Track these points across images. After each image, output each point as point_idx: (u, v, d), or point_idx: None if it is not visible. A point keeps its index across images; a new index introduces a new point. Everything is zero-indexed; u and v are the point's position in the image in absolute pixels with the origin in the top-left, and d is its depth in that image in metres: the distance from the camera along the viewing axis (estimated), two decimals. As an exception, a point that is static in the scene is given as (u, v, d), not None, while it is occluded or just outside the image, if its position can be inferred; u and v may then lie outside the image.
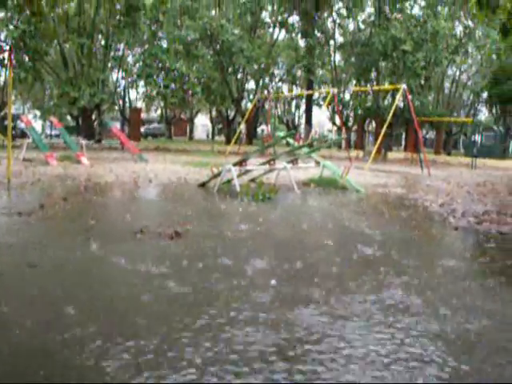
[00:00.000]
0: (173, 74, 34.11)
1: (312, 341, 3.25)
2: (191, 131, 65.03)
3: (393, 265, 5.40)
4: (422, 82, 39.90)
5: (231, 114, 46.79)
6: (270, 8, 41.40)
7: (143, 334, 3.24)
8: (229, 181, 11.65)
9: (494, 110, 49.54)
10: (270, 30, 43.58)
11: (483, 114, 63.15)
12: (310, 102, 43.35)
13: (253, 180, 13.02)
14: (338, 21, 43.18)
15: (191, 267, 4.94)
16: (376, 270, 5.14)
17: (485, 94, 44.66)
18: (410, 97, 23.93)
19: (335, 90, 28.72)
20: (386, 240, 6.82)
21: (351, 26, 44.00)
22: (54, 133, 48.31)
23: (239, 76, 41.49)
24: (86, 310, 3.67)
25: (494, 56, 18.18)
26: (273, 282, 4.54)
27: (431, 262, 5.79)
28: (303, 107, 52.36)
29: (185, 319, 3.53)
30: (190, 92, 36.19)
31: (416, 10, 41.57)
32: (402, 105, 34.60)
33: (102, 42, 36.27)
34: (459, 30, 43.47)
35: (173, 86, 35.13)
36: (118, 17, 32.75)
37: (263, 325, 3.49)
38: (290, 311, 3.79)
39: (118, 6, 32.33)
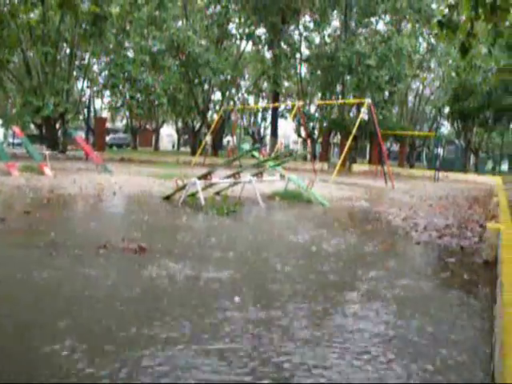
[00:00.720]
0: (139, 84, 33.94)
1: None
2: (157, 141, 64.61)
3: (350, 282, 5.48)
4: (386, 95, 40.53)
5: (197, 125, 46.69)
6: (237, 20, 41.58)
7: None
8: (194, 194, 11.63)
9: (455, 125, 50.55)
10: (237, 41, 43.77)
11: (445, 128, 64.34)
12: (275, 113, 43.62)
13: (218, 193, 13.04)
14: (304, 34, 43.59)
15: (153, 284, 4.93)
16: (336, 286, 5.22)
17: (447, 109, 45.55)
18: (374, 110, 24.28)
19: (301, 103, 28.97)
20: (348, 254, 6.90)
21: (317, 40, 44.48)
22: (16, 141, 47.49)
23: (205, 87, 41.44)
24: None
25: (453, 74, 18.74)
26: (236, 299, 4.56)
27: (391, 276, 5.87)
28: (269, 119, 52.61)
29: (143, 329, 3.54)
30: (156, 103, 36.07)
31: (381, 26, 42.33)
32: (366, 118, 35.08)
33: (67, 51, 35.89)
34: (423, 46, 44.37)
35: (139, 96, 34.96)
36: (83, 25, 32.46)
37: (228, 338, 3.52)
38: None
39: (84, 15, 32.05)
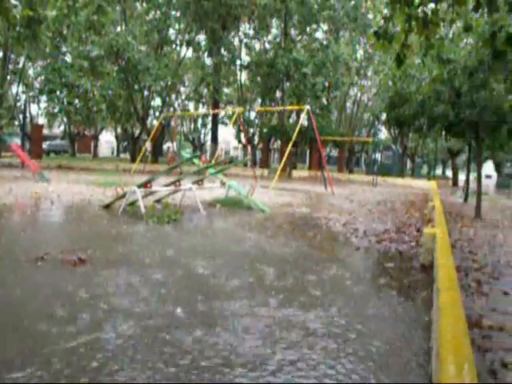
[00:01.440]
0: (77, 90, 33.24)
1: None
2: (96, 148, 63.43)
3: (290, 288, 5.54)
4: (325, 102, 41.14)
5: (136, 131, 46.14)
6: (176, 26, 41.34)
7: None
8: (134, 202, 11.48)
9: (392, 131, 51.76)
10: (177, 48, 43.50)
11: (383, 134, 65.81)
12: (216, 120, 43.61)
13: (158, 201, 12.92)
14: (244, 41, 43.79)
15: (92, 302, 4.86)
16: (275, 290, 5.27)
17: (383, 116, 46.57)
18: (313, 117, 24.61)
19: (241, 109, 29.07)
20: (288, 260, 6.97)
21: (257, 47, 44.76)
22: None
23: (145, 93, 40.97)
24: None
25: (389, 82, 19.32)
26: (178, 310, 4.55)
27: (331, 281, 5.97)
28: (209, 125, 52.56)
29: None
30: (95, 109, 35.42)
31: (319, 35, 42.97)
32: (306, 124, 35.51)
33: (0, 54, 34.79)
34: (360, 54, 45.38)
35: (77, 102, 34.24)
36: (17, 28, 31.51)
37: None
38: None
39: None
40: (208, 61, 43.26)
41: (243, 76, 46.76)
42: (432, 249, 6.69)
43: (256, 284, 5.61)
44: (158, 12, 38.43)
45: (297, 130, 23.99)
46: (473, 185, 17.10)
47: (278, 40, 41.88)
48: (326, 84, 37.94)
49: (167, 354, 3.59)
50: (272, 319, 4.44)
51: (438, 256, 5.11)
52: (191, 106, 56.76)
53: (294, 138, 23.88)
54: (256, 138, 48.93)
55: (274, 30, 44.49)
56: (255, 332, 4.11)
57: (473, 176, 22.69)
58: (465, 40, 14.71)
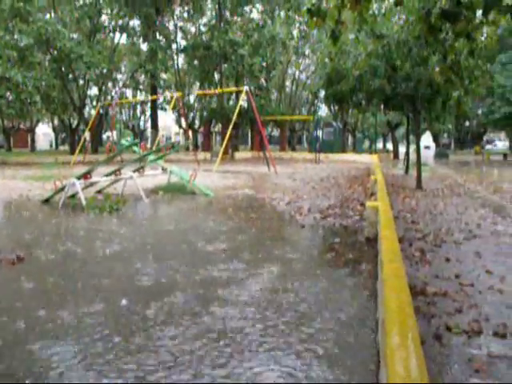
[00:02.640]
0: (7, 82, 32.04)
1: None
2: (33, 142, 61.57)
3: (234, 275, 5.52)
4: (264, 82, 41.18)
5: (74, 122, 45.01)
6: (109, 12, 40.29)
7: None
8: (74, 195, 11.19)
9: (332, 107, 52.25)
10: (111, 34, 42.46)
11: (323, 111, 66.42)
12: (155, 106, 42.97)
13: (100, 191, 12.65)
14: (179, 24, 43.18)
15: (33, 296, 4.70)
16: (219, 282, 5.24)
17: (322, 93, 46.97)
18: (252, 98, 24.56)
19: (179, 94, 28.74)
20: (233, 242, 6.94)
21: (192, 30, 44.23)
22: None
23: (80, 83, 39.90)
24: None
25: (326, 60, 19.46)
26: (124, 301, 4.46)
27: (278, 260, 5.97)
28: (149, 112, 51.77)
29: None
30: (29, 101, 34.26)
31: (255, 15, 42.77)
32: (246, 105, 35.44)
33: None
34: (296, 33, 45.42)
35: (8, 95, 33.02)
36: None
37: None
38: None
39: None
40: (144, 46, 42.47)
41: (180, 60, 46.22)
42: (375, 222, 6.77)
43: (200, 274, 5.56)
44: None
45: (236, 111, 23.90)
46: (413, 156, 17.49)
47: (213, 22, 41.46)
48: (264, 64, 37.94)
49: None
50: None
51: (381, 229, 5.17)
52: (129, 93, 55.76)
53: (233, 119, 23.79)
54: (197, 122, 48.58)
55: (208, 13, 44.03)
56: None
57: (412, 148, 23.15)
58: (397, 15, 14.88)
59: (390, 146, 60.10)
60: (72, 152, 37.12)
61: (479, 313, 4.36)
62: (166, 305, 4.39)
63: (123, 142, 15.01)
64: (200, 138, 54.36)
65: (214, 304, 4.41)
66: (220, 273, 5.39)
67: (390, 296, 2.65)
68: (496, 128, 48.46)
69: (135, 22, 41.07)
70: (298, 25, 44.70)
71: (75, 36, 36.94)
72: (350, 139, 60.66)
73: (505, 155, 43.76)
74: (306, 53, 49.53)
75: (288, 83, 55.51)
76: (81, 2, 38.47)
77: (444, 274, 5.57)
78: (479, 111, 45.05)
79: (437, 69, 13.72)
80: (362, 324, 3.99)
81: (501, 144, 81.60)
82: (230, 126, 24.04)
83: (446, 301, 4.66)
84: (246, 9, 41.96)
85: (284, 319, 4.07)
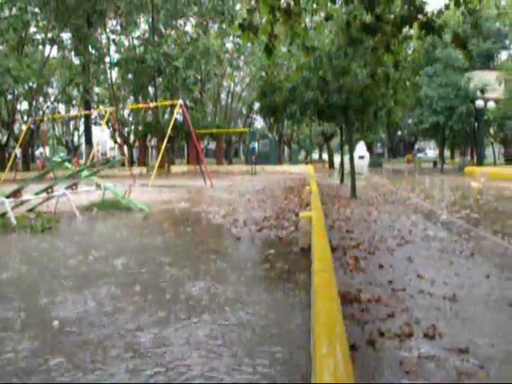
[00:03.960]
0: None
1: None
2: (-40, 159, 59.22)
3: (173, 284, 5.49)
4: (199, 95, 41.16)
5: (3, 138, 43.60)
6: (37, 23, 39.21)
7: None
8: (3, 214, 10.80)
9: (267, 119, 52.74)
10: (40, 47, 41.35)
11: (259, 123, 66.85)
12: (88, 121, 42.16)
13: (31, 210, 12.26)
14: (112, 37, 42.60)
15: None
16: (154, 288, 5.19)
17: (257, 105, 47.36)
18: (186, 111, 24.51)
19: (113, 108, 28.38)
20: (167, 258, 6.87)
21: (126, 43, 43.73)
22: None
23: (9, 97, 38.69)
24: None
25: (261, 72, 19.72)
26: (55, 322, 4.35)
27: (213, 274, 5.96)
28: (83, 127, 50.75)
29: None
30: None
31: (189, 28, 42.73)
32: (181, 118, 35.30)
33: None
34: (230, 46, 45.67)
35: None
36: None
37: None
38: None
39: None
40: (75, 60, 41.63)
41: (114, 74, 45.58)
42: (309, 232, 6.86)
43: (130, 291, 5.49)
44: (14, 9, 36.07)
45: (170, 125, 23.77)
46: (348, 166, 17.90)
47: (146, 35, 41.14)
48: (198, 77, 37.94)
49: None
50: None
51: (314, 238, 5.25)
52: (62, 108, 54.53)
53: (168, 133, 23.65)
54: (132, 137, 48.04)
55: (142, 25, 43.68)
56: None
57: (347, 157, 23.64)
58: (327, 29, 15.22)
59: (325, 156, 61.07)
60: (2, 169, 35.95)
61: (410, 316, 4.49)
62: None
63: (55, 158, 14.65)
64: (135, 153, 53.73)
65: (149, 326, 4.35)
66: (149, 290, 5.34)
67: (320, 305, 2.70)
68: (426, 137, 50.03)
69: (66, 35, 40.19)
70: (231, 37, 44.97)
71: (1, 48, 35.69)
72: (286, 150, 61.33)
73: (435, 163, 45.31)
74: (241, 65, 49.86)
75: (223, 96, 55.69)
76: (6, 14, 37.20)
77: (377, 280, 5.71)
78: (410, 121, 46.42)
79: (362, 80, 14.11)
80: (294, 334, 4.04)
81: (431, 152, 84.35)
82: (165, 140, 23.87)
83: (379, 306, 4.77)
84: (180, 21, 41.90)
85: (216, 333, 4.07)
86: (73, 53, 40.85)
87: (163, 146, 24.99)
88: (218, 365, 3.44)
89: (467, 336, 4.05)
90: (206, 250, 7.55)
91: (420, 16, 7.52)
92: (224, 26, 41.86)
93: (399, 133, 67.37)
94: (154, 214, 11.95)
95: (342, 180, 22.08)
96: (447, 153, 62.91)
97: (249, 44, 39.70)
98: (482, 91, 34.82)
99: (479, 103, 33.19)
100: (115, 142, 49.98)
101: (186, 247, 7.66)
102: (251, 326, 4.20)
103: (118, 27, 41.98)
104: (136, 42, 42.78)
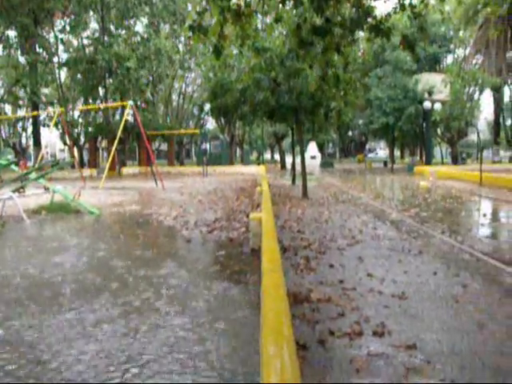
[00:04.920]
0: None
1: None
2: None
3: (112, 290, 5.42)
4: (150, 96, 40.72)
5: None
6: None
7: None
8: None
9: (219, 120, 52.67)
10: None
11: (211, 124, 66.63)
12: (36, 122, 41.15)
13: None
14: (60, 36, 41.63)
15: None
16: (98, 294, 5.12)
17: (208, 106, 47.27)
18: (137, 112, 24.25)
19: (61, 109, 27.84)
20: (115, 262, 6.77)
21: (75, 43, 42.86)
22: None
23: (-50, 98, 37.41)
24: None
25: (211, 74, 19.67)
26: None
27: (162, 277, 5.91)
28: (31, 128, 49.50)
29: None
30: None
31: (140, 28, 42.20)
32: (132, 120, 34.90)
33: None
34: (181, 47, 45.31)
35: None
36: None
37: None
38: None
39: None
40: (22, 59, 40.55)
41: (62, 74, 44.63)
42: (260, 233, 6.87)
43: (81, 293, 5.39)
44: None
45: (121, 126, 23.47)
46: (299, 167, 18.01)
47: (96, 35, 40.41)
48: (150, 78, 37.54)
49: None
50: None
51: (263, 240, 5.26)
52: (8, 109, 53.09)
53: (118, 135, 23.34)
54: (82, 138, 47.18)
55: (92, 25, 42.88)
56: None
57: (298, 158, 23.80)
58: (278, 31, 15.29)
59: (277, 156, 61.41)
60: None
61: (360, 315, 4.55)
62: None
63: (1, 160, 14.26)
64: (86, 155, 52.82)
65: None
66: (97, 291, 5.26)
67: (268, 306, 2.70)
68: (376, 137, 50.90)
69: (12, 33, 39.08)
70: (183, 38, 44.65)
71: None
72: (238, 151, 61.37)
73: (385, 163, 46.10)
74: (192, 66, 49.57)
75: (175, 97, 55.30)
76: None
77: (328, 279, 5.76)
78: (360, 121, 47.12)
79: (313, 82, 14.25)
80: (244, 334, 4.04)
81: (381, 152, 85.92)
82: (116, 142, 23.54)
83: (329, 306, 4.82)
84: (131, 22, 41.36)
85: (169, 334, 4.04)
86: (19, 52, 39.76)
87: (114, 148, 24.64)
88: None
89: (415, 332, 4.14)
90: (156, 252, 7.48)
91: (369, 19, 7.65)
92: (175, 26, 41.62)
93: (350, 133, 68.37)
94: (105, 217, 11.76)
95: (293, 180, 22.19)
96: (397, 153, 64.22)
97: (201, 45, 39.66)
98: (430, 93, 35.63)
99: (427, 105, 33.93)
100: (65, 143, 49.08)
101: (135, 250, 7.56)
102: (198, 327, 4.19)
103: (67, 26, 41.08)
104: (86, 42, 42.02)
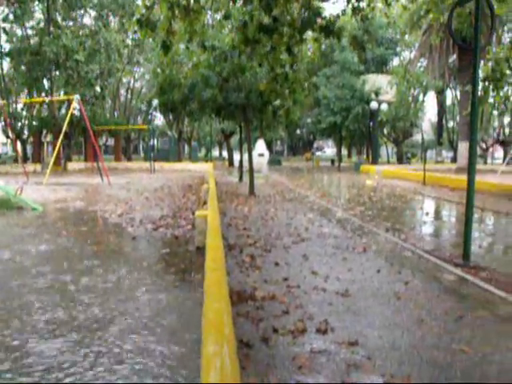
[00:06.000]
0: None
1: None
2: None
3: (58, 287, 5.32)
4: (98, 90, 39.90)
5: None
6: None
7: None
8: None
9: (167, 116, 52.21)
10: None
11: (159, 120, 66.01)
12: (-23, 115, 39.88)
13: None
14: (3, 26, 40.31)
15: None
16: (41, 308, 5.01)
17: (156, 102, 46.78)
18: (83, 107, 23.79)
19: (3, 102, 27.05)
20: (59, 261, 6.64)
21: (19, 32, 41.61)
22: None
23: None
24: None
25: (159, 69, 19.41)
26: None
27: (105, 273, 5.83)
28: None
29: None
30: None
31: (88, 20, 41.35)
32: (78, 114, 34.18)
33: None
34: (131, 41, 44.61)
35: None
36: None
37: None
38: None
39: None
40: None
41: (5, 65, 43.30)
42: (205, 230, 6.85)
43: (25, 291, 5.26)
44: None
45: (67, 120, 22.96)
46: (247, 164, 18.02)
47: (42, 25, 39.30)
48: (99, 72, 36.80)
49: None
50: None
51: (208, 238, 5.25)
52: None
53: (64, 129, 22.84)
54: (26, 132, 45.92)
55: (37, 15, 41.66)
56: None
57: (246, 155, 23.80)
58: (228, 27, 15.25)
59: (226, 153, 61.37)
60: None
61: (304, 312, 4.59)
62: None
63: None
64: (30, 149, 51.41)
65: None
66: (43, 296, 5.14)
67: (210, 305, 2.69)
68: (324, 136, 51.40)
69: None
70: (132, 32, 43.95)
71: None
72: (186, 148, 61.00)
73: (332, 161, 46.66)
74: (141, 61, 48.92)
75: (123, 92, 54.51)
76: None
77: (273, 277, 5.78)
78: (309, 120, 47.50)
79: (261, 80, 14.29)
80: (186, 333, 4.02)
81: (329, 151, 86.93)
82: (61, 136, 23.01)
83: (273, 304, 4.84)
84: (79, 13, 40.45)
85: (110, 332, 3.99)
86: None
87: (59, 142, 24.08)
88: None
89: (357, 329, 4.21)
90: (100, 250, 7.35)
91: (319, 20, 7.73)
92: (124, 20, 40.95)
93: (299, 131, 68.84)
94: (48, 214, 11.48)
95: (241, 178, 22.19)
96: (345, 151, 65.07)
97: (150, 40, 39.14)
98: (376, 94, 36.24)
99: (373, 105, 34.52)
100: (7, 137, 47.67)
101: (78, 248, 7.41)
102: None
103: (11, 15, 39.80)
104: (30, 32, 40.84)
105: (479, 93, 22.14)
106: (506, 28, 27.72)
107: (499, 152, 59.07)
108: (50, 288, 5.30)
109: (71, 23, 39.70)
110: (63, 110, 41.21)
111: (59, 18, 38.66)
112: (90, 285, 5.39)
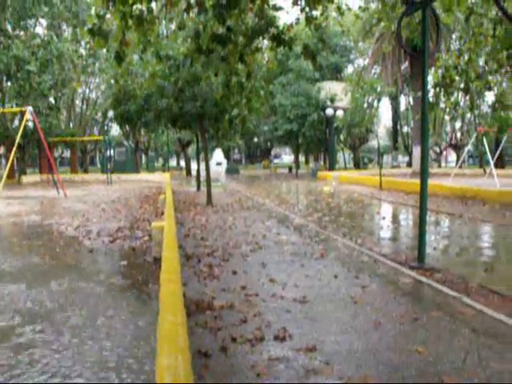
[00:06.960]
0: None
1: None
2: None
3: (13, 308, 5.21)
4: (52, 101, 39.26)
5: None
6: None
7: None
8: None
9: (123, 127, 51.70)
10: None
11: (115, 131, 65.19)
12: None
13: None
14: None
15: None
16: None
17: (112, 113, 46.30)
18: (37, 119, 23.37)
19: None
20: (10, 276, 6.51)
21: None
22: None
23: None
24: None
25: (112, 80, 19.26)
26: None
27: (61, 289, 5.74)
28: None
29: None
30: None
31: (40, 30, 40.67)
32: (32, 126, 33.55)
33: None
34: (85, 51, 44.05)
35: None
36: None
37: None
38: None
39: None
40: None
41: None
42: (162, 241, 6.82)
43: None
44: None
45: (20, 133, 22.51)
46: (204, 173, 17.98)
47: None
48: (53, 82, 36.21)
49: None
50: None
51: (163, 249, 5.22)
52: None
53: (17, 141, 22.39)
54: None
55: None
56: None
57: (204, 165, 23.72)
58: (182, 38, 15.22)
59: (183, 163, 61.11)
60: None
61: (262, 320, 4.61)
62: None
63: None
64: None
65: None
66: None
67: (164, 317, 2.68)
68: (281, 143, 51.73)
69: None
70: (86, 42, 43.39)
71: None
72: (144, 158, 60.53)
73: (290, 168, 46.97)
74: (96, 71, 48.39)
75: (78, 102, 53.78)
76: None
77: (231, 286, 5.79)
78: (266, 128, 47.75)
79: (217, 89, 14.31)
80: (142, 346, 3.99)
81: (287, 158, 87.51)
82: (14, 149, 22.54)
83: (232, 313, 4.84)
84: (30, 22, 39.75)
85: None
86: None
87: (12, 155, 23.59)
88: None
89: (315, 335, 4.24)
90: (55, 264, 7.22)
91: (271, 29, 7.79)
92: (77, 29, 40.40)
93: (256, 139, 69.09)
94: (1, 228, 11.22)
95: (198, 187, 22.11)
96: (302, 158, 65.59)
97: (104, 50, 38.70)
98: (332, 100, 36.72)
99: (329, 111, 34.94)
100: (-43, 150, 46.42)
101: (32, 263, 7.27)
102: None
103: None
104: (-22, 42, 39.93)
105: (431, 99, 22.77)
106: (453, 36, 28.44)
107: (453, 155, 60.44)
108: None
109: (22, 33, 38.96)
110: (16, 122, 40.39)
111: (9, 28, 37.89)
112: (42, 300, 5.29)
